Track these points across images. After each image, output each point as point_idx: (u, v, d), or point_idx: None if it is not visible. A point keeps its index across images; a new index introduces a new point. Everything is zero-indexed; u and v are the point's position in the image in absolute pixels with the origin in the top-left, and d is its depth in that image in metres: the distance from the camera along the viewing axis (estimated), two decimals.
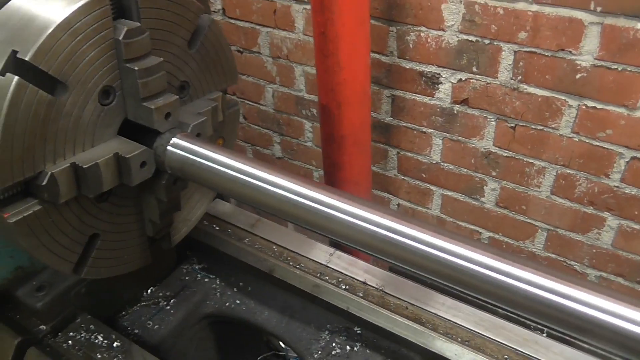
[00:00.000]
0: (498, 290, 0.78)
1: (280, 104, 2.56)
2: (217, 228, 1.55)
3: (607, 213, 1.95)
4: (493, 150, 2.06)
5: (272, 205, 0.97)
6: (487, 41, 1.85)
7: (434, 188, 2.32)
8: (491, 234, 2.28)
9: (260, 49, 2.44)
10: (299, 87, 2.43)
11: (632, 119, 1.72)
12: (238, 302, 1.44)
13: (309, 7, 2.12)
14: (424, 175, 2.31)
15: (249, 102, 2.67)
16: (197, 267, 1.54)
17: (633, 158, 1.79)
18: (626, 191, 1.86)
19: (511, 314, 0.82)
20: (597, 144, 1.83)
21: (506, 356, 1.20)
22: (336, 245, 1.50)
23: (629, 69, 1.66)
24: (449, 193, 2.29)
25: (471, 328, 1.23)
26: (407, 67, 2.07)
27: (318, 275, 1.38)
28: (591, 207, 1.97)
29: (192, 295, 1.47)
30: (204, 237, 1.52)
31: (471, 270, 0.79)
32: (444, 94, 2.05)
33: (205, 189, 1.33)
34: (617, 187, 1.88)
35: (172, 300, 1.45)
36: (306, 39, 2.25)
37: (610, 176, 1.87)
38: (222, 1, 2.41)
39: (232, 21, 2.44)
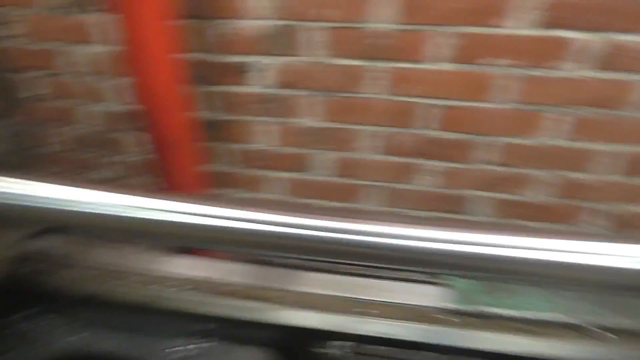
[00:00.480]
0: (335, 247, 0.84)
1: (97, 122, 2.41)
2: (39, 265, 1.42)
3: (428, 160, 2.15)
4: (320, 125, 2.15)
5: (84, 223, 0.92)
6: (297, 23, 1.92)
7: (274, 173, 2.37)
8: (333, 204, 2.40)
9: (64, 69, 2.27)
10: (112, 100, 2.31)
11: (431, 72, 1.91)
12: (83, 335, 1.35)
13: (109, 17, 2.03)
14: (262, 163, 2.34)
15: (63, 127, 2.47)
16: (30, 312, 1.40)
17: (440, 107, 1.99)
18: (440, 137, 2.07)
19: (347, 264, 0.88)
20: (408, 99, 2.00)
21: (347, 308, 1.27)
22: (177, 250, 1.46)
23: (418, 28, 1.82)
24: (288, 175, 2.35)
25: (317, 292, 1.28)
26: (227, 61, 2.06)
27: (159, 284, 1.34)
28: (414, 158, 2.16)
29: (31, 343, 1.34)
30: (27, 280, 1.39)
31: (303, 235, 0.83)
32: (266, 80, 2.08)
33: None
34: (432, 135, 2.07)
35: (9, 355, 1.32)
36: (111, 50, 2.13)
37: (425, 126, 2.05)
38: (19, 26, 2.20)
39: (31, 46, 2.24)
